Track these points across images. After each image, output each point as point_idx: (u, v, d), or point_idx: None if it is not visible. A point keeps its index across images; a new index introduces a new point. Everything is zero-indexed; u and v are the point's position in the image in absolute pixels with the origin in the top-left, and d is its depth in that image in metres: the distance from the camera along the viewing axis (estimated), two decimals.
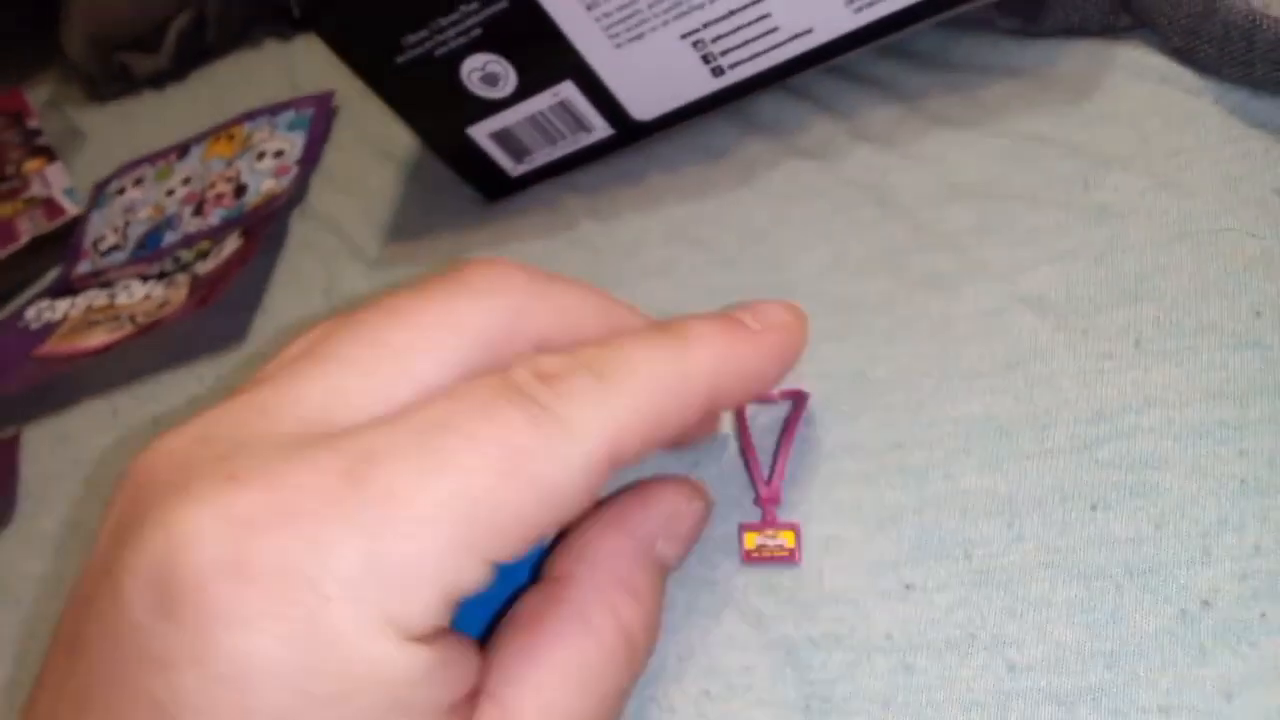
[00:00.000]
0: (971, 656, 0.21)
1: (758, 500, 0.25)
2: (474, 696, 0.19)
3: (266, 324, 0.40)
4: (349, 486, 0.16)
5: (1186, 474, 0.21)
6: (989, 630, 0.21)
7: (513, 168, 0.37)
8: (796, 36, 0.32)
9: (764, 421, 0.27)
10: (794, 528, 0.24)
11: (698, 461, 0.27)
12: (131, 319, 0.42)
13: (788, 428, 0.26)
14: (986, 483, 0.23)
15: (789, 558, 0.24)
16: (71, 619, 0.18)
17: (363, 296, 0.38)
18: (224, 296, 0.38)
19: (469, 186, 0.38)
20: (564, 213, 0.36)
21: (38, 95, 0.64)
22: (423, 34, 0.33)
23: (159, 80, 0.59)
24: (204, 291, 0.39)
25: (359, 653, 0.16)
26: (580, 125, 0.35)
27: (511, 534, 0.17)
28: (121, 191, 0.51)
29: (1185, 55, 0.28)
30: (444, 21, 0.33)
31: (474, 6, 0.32)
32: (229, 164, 0.48)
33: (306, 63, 0.52)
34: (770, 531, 0.24)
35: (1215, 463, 0.21)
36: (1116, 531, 0.21)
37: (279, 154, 0.46)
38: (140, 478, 0.18)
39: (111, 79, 0.60)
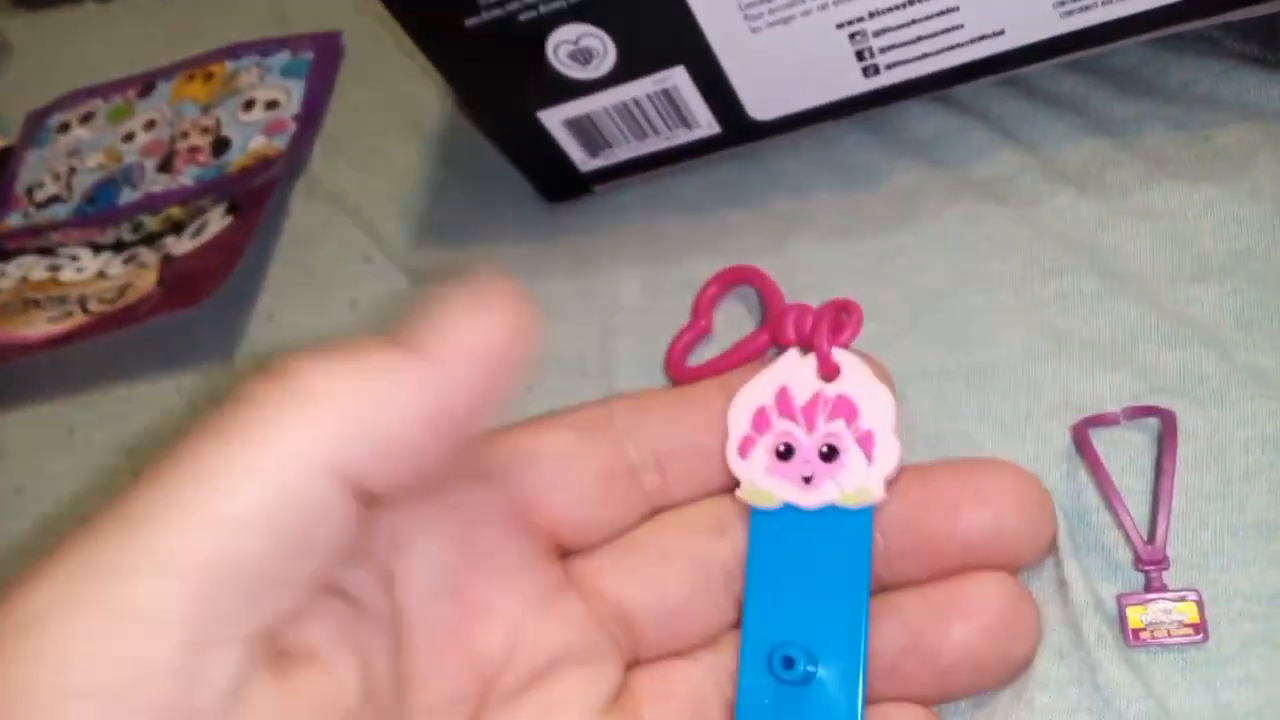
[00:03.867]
0: None
1: (1138, 563, 0.20)
2: None
3: (262, 328, 0.32)
4: None
5: None
6: None
7: (584, 161, 0.30)
8: (983, 38, 0.26)
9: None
10: (1194, 597, 0.19)
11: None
12: (82, 304, 0.34)
13: (1162, 465, 0.20)
14: None
15: (1194, 635, 0.19)
16: None
17: (389, 301, 0.31)
18: (214, 295, 0.31)
19: (526, 180, 0.31)
20: (660, 238, 0.29)
21: None
22: None
23: None
24: (186, 285, 0.32)
25: None
26: (681, 119, 0.29)
27: None
28: (65, 128, 0.42)
29: None
30: None
31: None
32: (205, 110, 0.39)
33: None
34: (1162, 604, 0.19)
35: None
36: None
37: (272, 105, 0.38)
38: None
39: None
